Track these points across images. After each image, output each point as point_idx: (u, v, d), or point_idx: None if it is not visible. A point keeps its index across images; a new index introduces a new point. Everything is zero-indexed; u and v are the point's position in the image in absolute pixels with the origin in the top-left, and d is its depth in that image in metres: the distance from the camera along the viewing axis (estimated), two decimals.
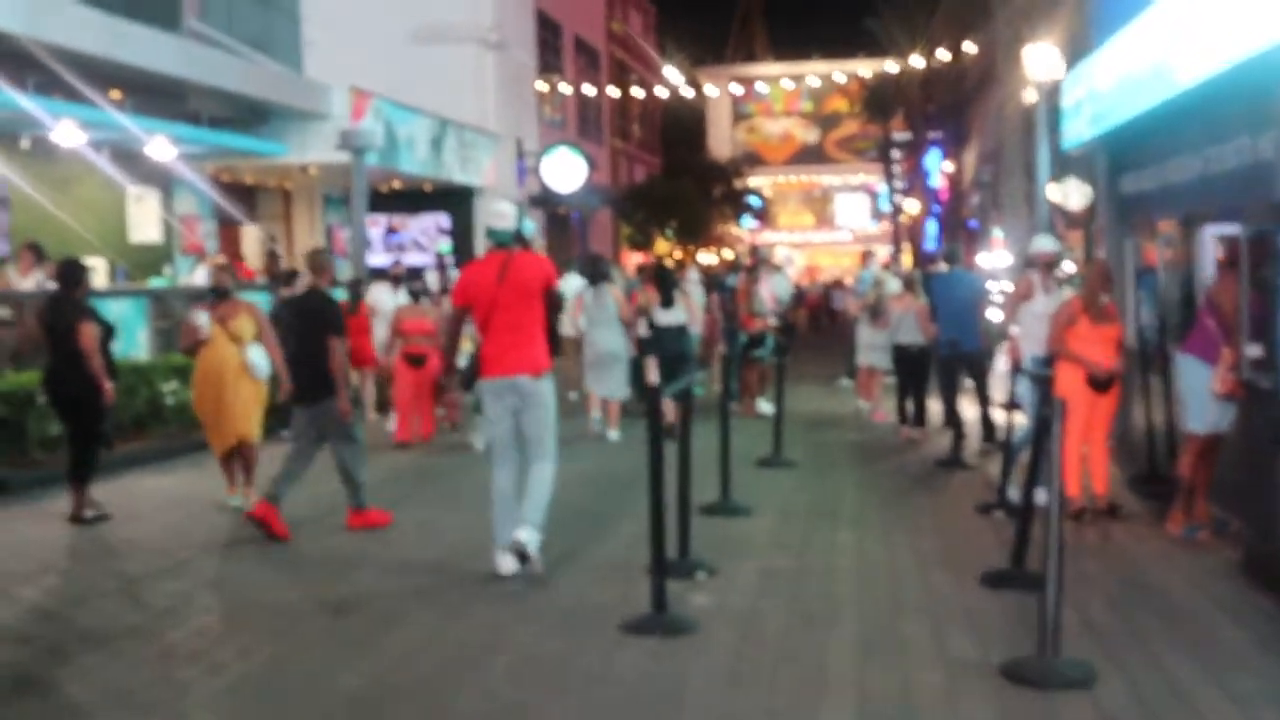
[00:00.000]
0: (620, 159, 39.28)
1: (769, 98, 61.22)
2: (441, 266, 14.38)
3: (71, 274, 8.67)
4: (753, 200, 52.64)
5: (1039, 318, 8.79)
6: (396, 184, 21.85)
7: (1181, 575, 6.67)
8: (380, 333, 12.75)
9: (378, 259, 20.10)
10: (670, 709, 4.84)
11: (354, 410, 8.33)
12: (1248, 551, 6.64)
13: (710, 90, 47.27)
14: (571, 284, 13.72)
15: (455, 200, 22.95)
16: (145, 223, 17.39)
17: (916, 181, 48.01)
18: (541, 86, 29.34)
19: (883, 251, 30.61)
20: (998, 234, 27.17)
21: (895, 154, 50.66)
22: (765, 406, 13.62)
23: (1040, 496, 6.84)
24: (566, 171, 25.82)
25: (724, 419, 8.66)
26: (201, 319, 8.67)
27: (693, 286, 14.79)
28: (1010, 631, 5.68)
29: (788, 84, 58.61)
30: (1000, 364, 11.42)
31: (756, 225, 56.32)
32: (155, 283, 15.61)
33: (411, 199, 22.78)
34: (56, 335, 8.45)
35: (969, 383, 11.42)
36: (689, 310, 12.56)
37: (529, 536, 6.71)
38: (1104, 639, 5.56)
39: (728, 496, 8.57)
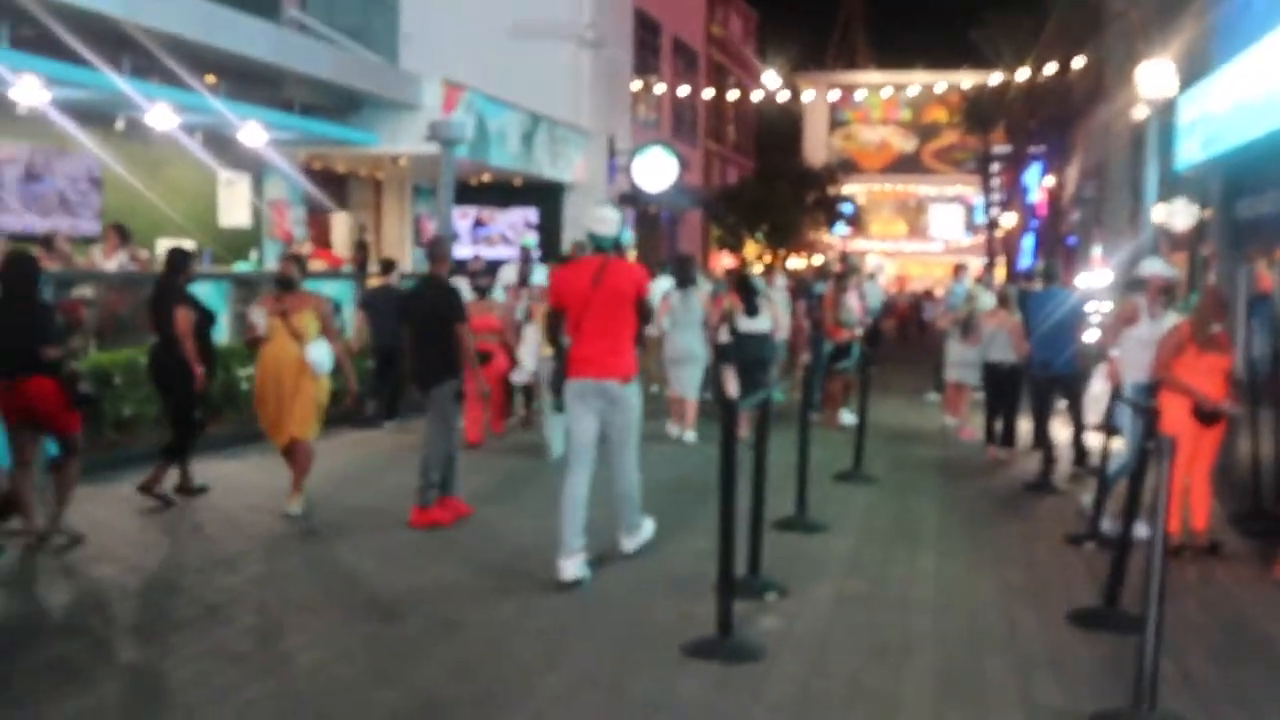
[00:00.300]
0: (714, 161, 39.03)
1: (867, 105, 60.74)
2: (526, 259, 14.14)
3: (177, 260, 8.85)
4: (846, 208, 52.06)
5: (1143, 343, 8.28)
6: (486, 177, 21.80)
7: None
8: None
9: (463, 251, 20.05)
10: None
11: (457, 402, 8.21)
12: None
13: (807, 95, 46.82)
14: (660, 285, 13.53)
15: (544, 195, 22.91)
16: (235, 207, 17.54)
17: (1014, 195, 47.09)
18: (636, 85, 29.20)
19: (975, 264, 29.88)
20: (1098, 252, 26.38)
21: (994, 167, 49.96)
22: (848, 418, 13.28)
23: (1140, 531, 6.44)
24: (658, 171, 25.71)
25: (803, 429, 8.33)
26: (258, 316, 8.36)
27: (778, 293, 14.48)
28: (1101, 677, 5.31)
29: (887, 92, 57.97)
30: (1096, 385, 10.93)
31: (848, 232, 55.77)
32: (240, 267, 15.69)
33: (501, 192, 22.76)
34: (159, 318, 8.65)
35: (1061, 404, 10.94)
36: (774, 318, 12.30)
37: (630, 544, 7.21)
38: (1203, 692, 5.16)
39: (804, 512, 8.26)
